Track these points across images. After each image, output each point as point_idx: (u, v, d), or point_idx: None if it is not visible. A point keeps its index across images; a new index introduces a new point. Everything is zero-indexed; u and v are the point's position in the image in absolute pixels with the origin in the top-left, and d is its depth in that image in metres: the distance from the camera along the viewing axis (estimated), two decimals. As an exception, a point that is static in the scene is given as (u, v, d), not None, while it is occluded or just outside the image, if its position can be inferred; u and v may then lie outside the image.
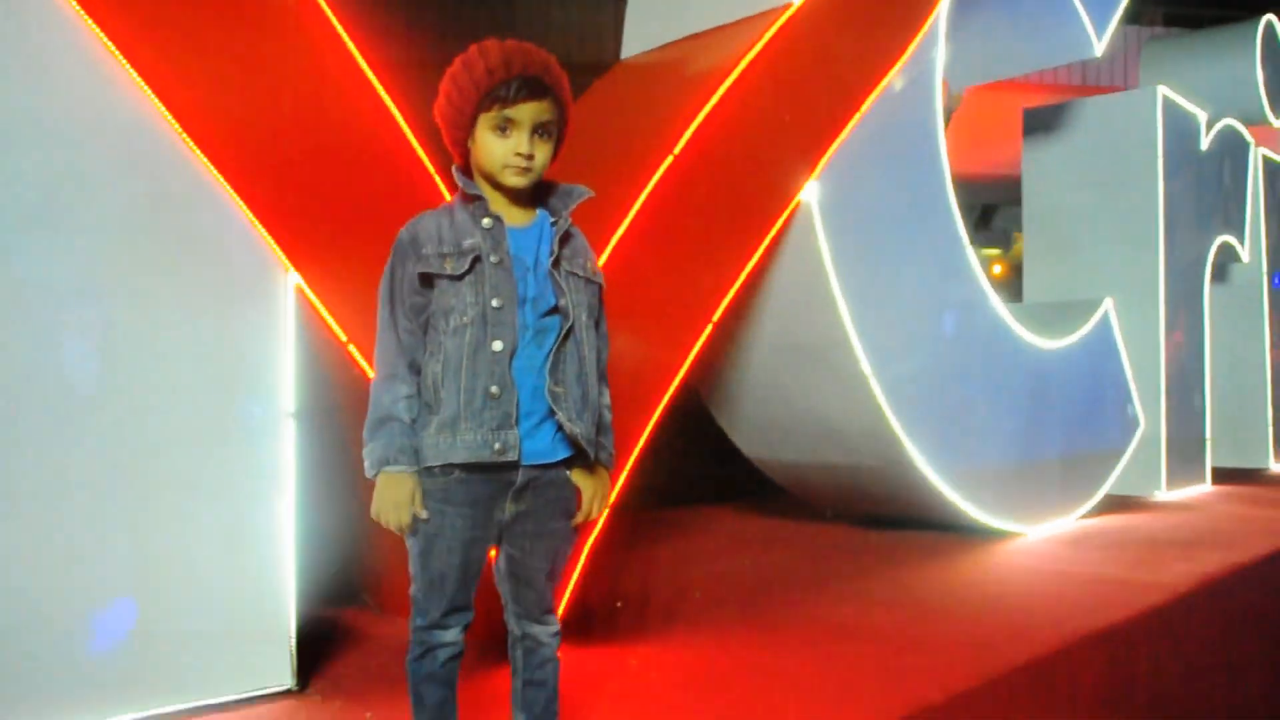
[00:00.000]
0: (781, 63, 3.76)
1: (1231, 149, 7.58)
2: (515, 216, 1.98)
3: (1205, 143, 7.12)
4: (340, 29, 2.58)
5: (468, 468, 1.87)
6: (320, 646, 2.89)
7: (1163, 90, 6.54)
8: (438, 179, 2.75)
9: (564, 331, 1.93)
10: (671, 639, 3.14)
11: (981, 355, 4.92)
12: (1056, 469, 5.43)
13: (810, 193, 3.93)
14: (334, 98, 2.60)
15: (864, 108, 4.09)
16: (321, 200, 2.55)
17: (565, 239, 2.00)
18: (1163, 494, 6.51)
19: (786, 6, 3.82)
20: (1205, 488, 7.02)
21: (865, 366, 4.17)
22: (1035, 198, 6.98)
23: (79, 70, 2.25)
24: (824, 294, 4.05)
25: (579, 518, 2.01)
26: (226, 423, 2.41)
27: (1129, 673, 3.40)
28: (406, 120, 2.71)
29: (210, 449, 2.38)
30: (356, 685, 2.62)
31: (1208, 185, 7.18)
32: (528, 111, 1.91)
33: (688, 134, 3.40)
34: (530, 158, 1.93)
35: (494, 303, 1.88)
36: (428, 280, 1.91)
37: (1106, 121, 6.65)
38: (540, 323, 1.92)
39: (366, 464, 1.89)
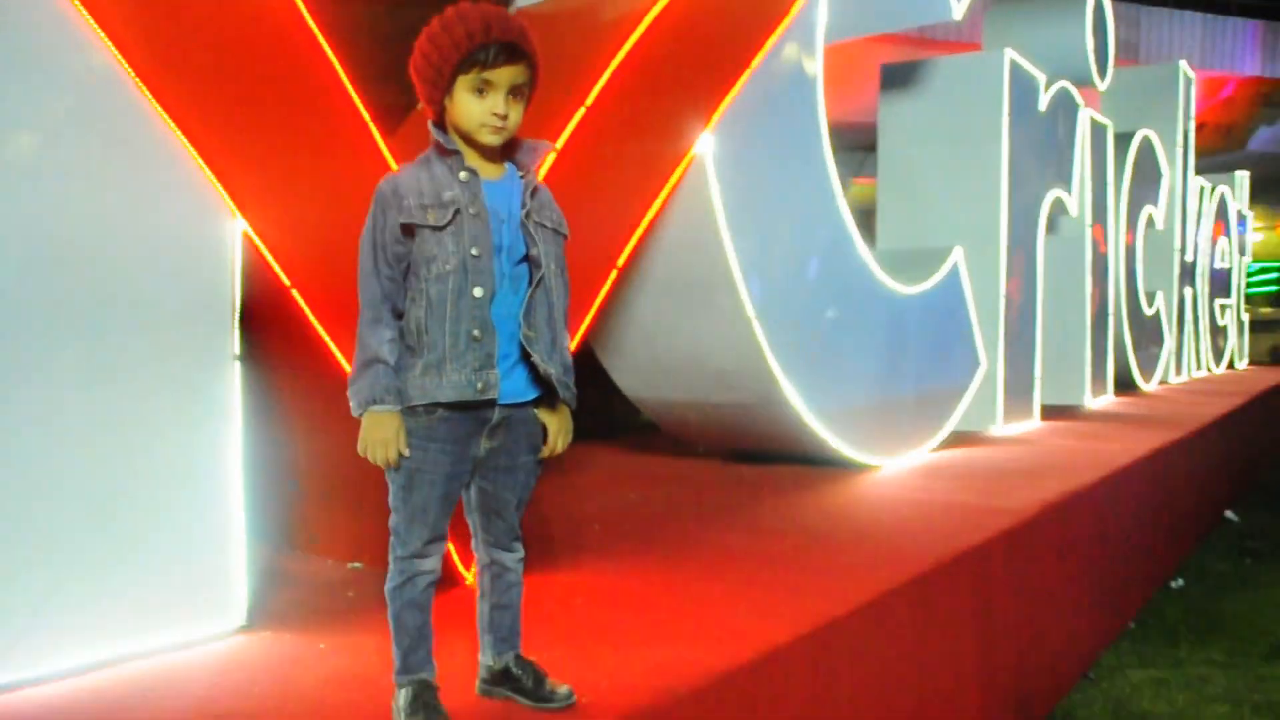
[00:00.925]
0: (682, 18, 3.92)
1: (1065, 110, 8.13)
2: (488, 171, 2.11)
3: (1044, 103, 7.63)
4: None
5: (450, 406, 2.02)
6: (262, 586, 2.98)
7: (1009, 53, 6.97)
8: (375, 132, 2.82)
9: (535, 279, 2.08)
10: (584, 566, 3.34)
11: (849, 299, 5.25)
12: (910, 406, 5.85)
13: (705, 144, 4.13)
14: (282, 51, 2.64)
15: (754, 63, 4.30)
16: (267, 147, 2.60)
17: (533, 192, 2.14)
18: (999, 429, 7.06)
19: (687, -37, 3.98)
20: (1035, 423, 7.63)
21: (749, 310, 4.43)
22: (889, 149, 7.36)
23: (30, 11, 2.24)
24: (714, 240, 4.27)
25: (545, 452, 2.18)
26: (172, 365, 2.45)
27: (989, 585, 3.79)
28: (346, 74, 2.78)
29: (157, 390, 2.43)
30: (303, 621, 2.73)
31: (1044, 144, 7.71)
32: (505, 75, 2.05)
33: (598, 86, 3.54)
34: (505, 118, 2.07)
35: (473, 251, 2.02)
36: (409, 230, 2.03)
37: (957, 80, 7.05)
38: (514, 270, 2.08)
39: (353, 403, 2.01)
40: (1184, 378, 12.52)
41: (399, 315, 2.05)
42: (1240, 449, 9.49)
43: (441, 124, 2.13)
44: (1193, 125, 12.32)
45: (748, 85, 4.31)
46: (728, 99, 4.18)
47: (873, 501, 4.55)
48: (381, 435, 1.99)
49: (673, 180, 3.96)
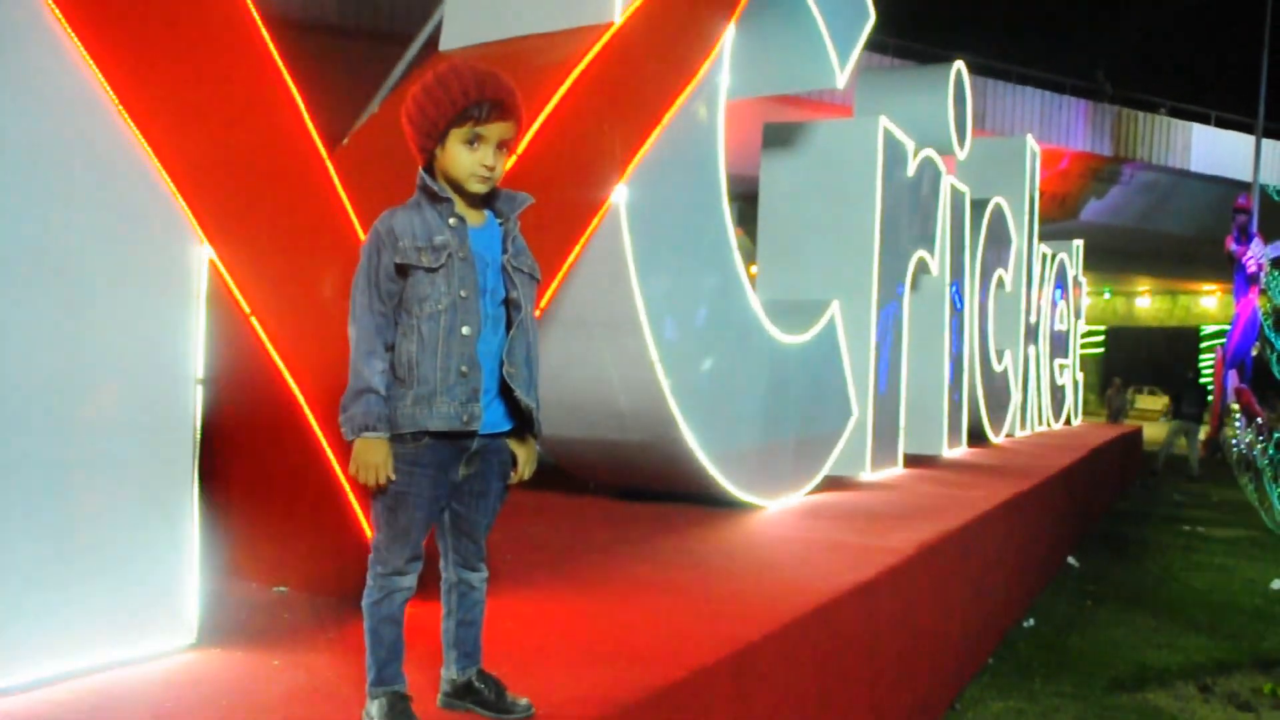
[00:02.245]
0: (603, 76, 4.15)
1: (929, 175, 8.68)
2: (473, 217, 2.28)
3: (911, 169, 8.14)
4: (259, 22, 2.73)
5: (436, 435, 2.16)
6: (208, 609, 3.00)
7: (883, 121, 7.44)
8: (331, 169, 2.94)
9: (516, 321, 2.25)
10: (504, 593, 3.46)
11: (740, 346, 5.53)
12: (791, 450, 6.15)
13: (619, 194, 4.35)
14: (253, 90, 2.74)
15: (666, 118, 4.55)
16: (237, 179, 2.69)
17: (512, 239, 2.31)
18: (867, 474, 7.44)
19: (609, 25, 4.21)
20: (899, 470, 8.06)
21: (653, 353, 4.65)
22: (769, 203, 7.73)
23: (14, 29, 2.30)
24: (624, 285, 4.48)
25: (514, 479, 2.34)
26: (133, 383, 2.51)
27: (876, 619, 4.06)
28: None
29: (116, 407, 2.48)
30: (250, 640, 2.79)
31: (911, 206, 8.22)
32: (495, 130, 2.23)
33: (527, 138, 3.72)
34: (493, 169, 2.24)
35: (461, 293, 2.17)
36: (402, 270, 2.17)
37: (835, 143, 7.48)
38: (496, 311, 2.24)
39: (345, 429, 2.14)
40: (1028, 431, 13.30)
41: (389, 348, 2.18)
42: (1080, 499, 10.16)
43: (430, 170, 2.28)
44: (1037, 194, 13.21)
45: (659, 139, 4.55)
46: (642, 151, 4.42)
47: (765, 538, 4.79)
48: (372, 459, 2.12)
49: (591, 227, 4.16)
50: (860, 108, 9.29)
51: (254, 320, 2.70)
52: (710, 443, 5.13)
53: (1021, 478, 7.93)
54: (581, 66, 3.99)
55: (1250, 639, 6.90)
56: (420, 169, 2.29)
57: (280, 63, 2.85)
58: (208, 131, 2.64)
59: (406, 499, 2.16)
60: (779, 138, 7.65)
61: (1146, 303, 47.64)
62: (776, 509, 5.74)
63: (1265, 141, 26.95)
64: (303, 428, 2.81)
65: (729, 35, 5.04)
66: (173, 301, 2.58)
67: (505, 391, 2.25)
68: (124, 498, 2.50)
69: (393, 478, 2.14)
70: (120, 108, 2.42)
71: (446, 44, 4.78)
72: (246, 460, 3.15)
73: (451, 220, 2.22)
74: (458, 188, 2.25)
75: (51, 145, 2.34)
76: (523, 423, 2.31)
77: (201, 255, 2.61)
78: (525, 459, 2.36)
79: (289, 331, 2.76)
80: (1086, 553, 9.66)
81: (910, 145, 8.05)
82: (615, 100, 4.29)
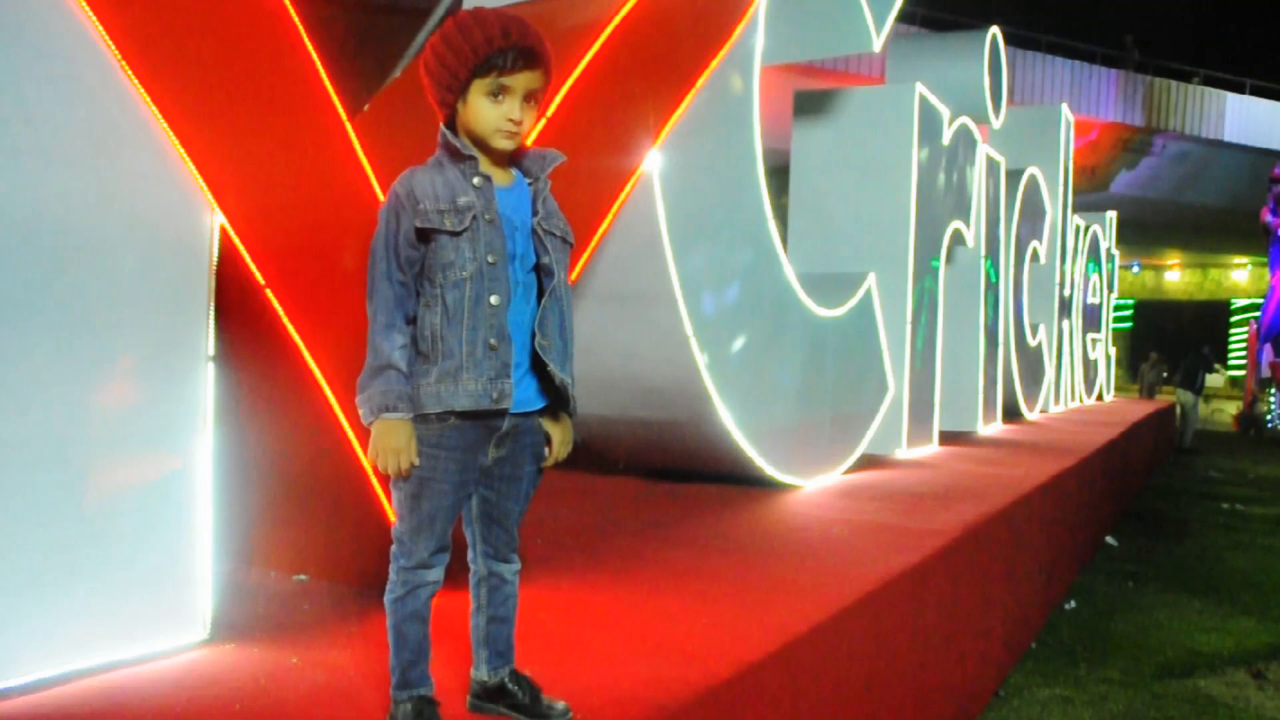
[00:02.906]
0: (634, 36, 3.93)
1: (965, 145, 8.42)
2: (500, 177, 2.08)
3: (947, 137, 7.89)
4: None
5: (463, 414, 1.97)
6: (222, 599, 2.84)
7: (919, 87, 7.18)
8: (353, 136, 2.75)
9: (548, 288, 2.05)
10: (536, 581, 3.29)
11: (775, 320, 5.32)
12: (827, 428, 5.94)
13: (652, 161, 4.14)
14: (267, 46, 2.55)
15: (700, 82, 4.33)
16: (250, 141, 2.50)
17: (543, 200, 2.11)
18: (903, 452, 7.23)
19: (641, -19, 3.99)
20: (934, 448, 7.85)
21: (688, 327, 4.45)
22: (801, 174, 7.50)
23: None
24: (657, 256, 4.28)
25: (548, 461, 2.15)
26: (144, 365, 2.34)
27: (924, 604, 3.87)
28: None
29: (126, 391, 2.31)
30: (266, 635, 2.62)
31: (946, 176, 7.97)
32: (521, 80, 2.02)
33: (556, 100, 3.52)
34: (520, 123, 2.04)
35: (489, 259, 1.98)
36: (424, 235, 1.98)
37: (869, 112, 7.24)
38: (526, 279, 2.05)
39: (363, 410, 1.95)
40: (1061, 407, 13.04)
41: (410, 321, 1.99)
42: (1118, 476, 9.92)
43: (452, 126, 2.08)
44: (1071, 165, 12.89)
45: (692, 105, 4.34)
46: (675, 117, 4.20)
47: (805, 521, 4.60)
48: (394, 443, 1.93)
49: (623, 196, 3.96)
50: (892, 76, 9.03)
51: (269, 292, 2.52)
52: (746, 421, 4.93)
53: (1061, 456, 7.70)
54: (613, 25, 3.77)
55: (1301, 622, 6.69)
56: (441, 125, 2.08)
57: (299, 25, 2.66)
58: (219, 91, 2.45)
59: (431, 485, 1.97)
60: (811, 106, 7.41)
61: (1176, 276, 46.95)
62: (814, 489, 5.55)
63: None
64: (322, 407, 2.63)
65: (764, -5, 4.81)
66: (182, 273, 2.39)
67: (538, 366, 2.05)
68: (132, 483, 2.32)
69: (416, 462, 1.95)
70: (124, 63, 2.23)
71: (471, 2, 4.57)
72: (263, 442, 2.98)
73: (476, 180, 2.02)
74: (482, 144, 2.05)
75: (46, 100, 2.15)
76: (557, 400, 2.11)
77: (213, 223, 2.42)
78: (560, 439, 2.16)
79: (307, 304, 2.57)
80: (1125, 532, 9.44)
81: (946, 113, 7.80)
82: (647, 62, 4.08)
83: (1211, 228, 34.12)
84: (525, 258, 2.05)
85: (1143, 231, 33.23)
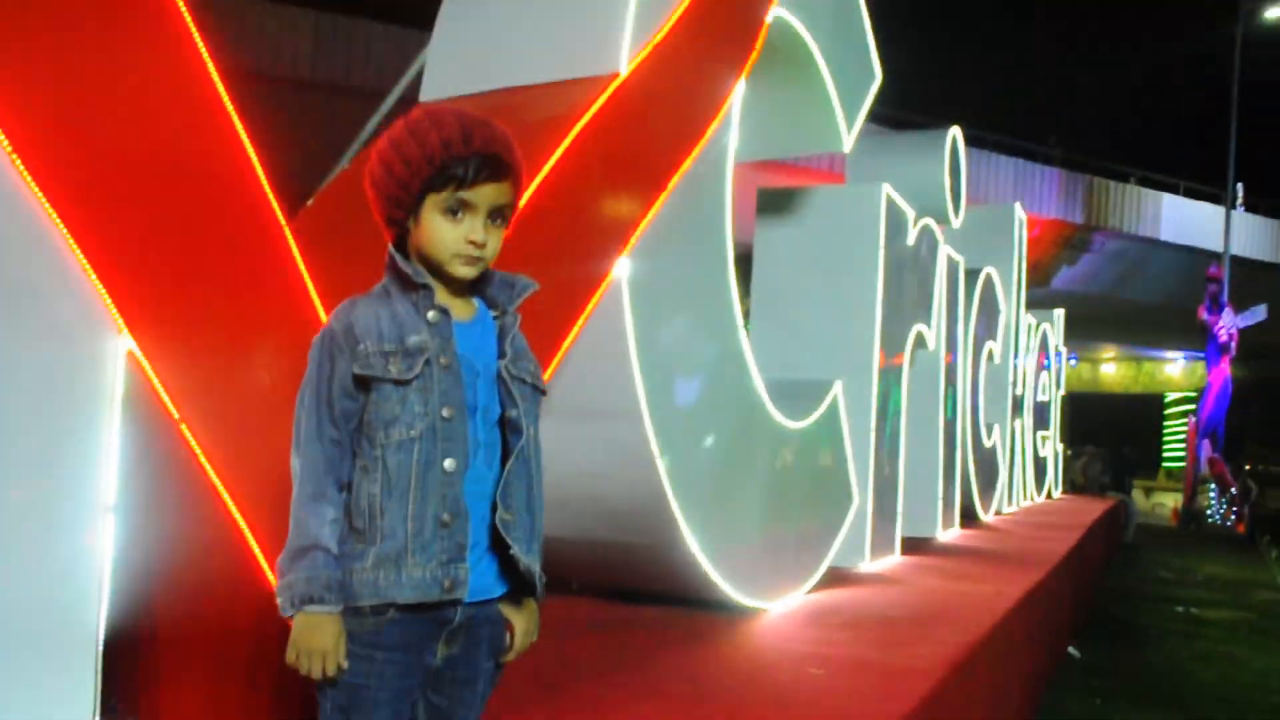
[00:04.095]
0: (605, 134, 3.65)
1: (928, 245, 8.26)
2: (459, 310, 1.74)
3: (911, 238, 7.71)
4: (210, 65, 2.19)
5: (406, 607, 1.60)
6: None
7: (886, 187, 7.00)
8: (290, 240, 2.40)
9: (516, 449, 1.70)
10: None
11: (743, 434, 5.00)
12: (793, 544, 5.61)
13: (621, 268, 3.83)
14: (191, 139, 2.20)
15: (672, 183, 4.05)
16: (168, 249, 2.14)
17: (511, 339, 1.78)
18: (866, 565, 6.90)
19: (614, 76, 3.72)
20: (897, 558, 7.53)
21: (653, 446, 4.10)
22: (764, 273, 7.25)
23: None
24: (623, 369, 3.95)
25: (509, 655, 1.78)
26: (27, 517, 1.94)
27: (916, 765, 3.51)
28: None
29: (18, 545, 1.91)
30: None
31: (910, 278, 7.78)
32: (486, 195, 1.70)
33: (521, 201, 3.20)
34: (483, 246, 1.70)
35: (444, 413, 1.63)
36: (363, 383, 1.62)
37: (835, 211, 7.03)
38: (489, 436, 1.69)
39: (282, 599, 1.58)
40: (1014, 507, 12.84)
41: (344, 488, 1.63)
42: (1077, 582, 9.68)
43: (403, 248, 1.75)
44: (1024, 264, 12.88)
45: (662, 209, 4.05)
46: (646, 220, 3.91)
47: (776, 656, 4.22)
48: (319, 643, 1.56)
49: (589, 307, 3.64)
50: (852, 174, 8.88)
51: (184, 429, 2.13)
52: (712, 544, 4.57)
53: (1027, 567, 7.42)
54: (583, 121, 3.49)
55: (1279, 747, 6.43)
56: (389, 247, 1.75)
57: (233, 114, 2.32)
58: (128, 187, 2.09)
59: (365, 695, 1.60)
60: (774, 204, 7.19)
61: (1112, 369, 47.72)
62: (779, 612, 5.18)
63: (1233, 213, 27.12)
64: (246, 567, 2.24)
65: (738, 92, 4.57)
66: (81, 406, 2.01)
67: (499, 544, 1.69)
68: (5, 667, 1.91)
69: (345, 666, 1.58)
70: (13, 155, 1.87)
71: (427, 94, 4.26)
72: (170, 610, 2.56)
73: (430, 314, 1.69)
74: (438, 271, 1.71)
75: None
76: (521, 585, 1.75)
77: (119, 347, 2.04)
78: (524, 629, 1.80)
79: (230, 444, 2.19)
80: (1084, 639, 9.17)
81: (911, 213, 7.63)
82: (618, 161, 3.79)
83: (1147, 323, 34.77)
84: (488, 410, 1.71)
85: (1081, 326, 33.73)
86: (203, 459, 2.15)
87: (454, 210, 1.68)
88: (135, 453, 2.12)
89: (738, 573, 4.86)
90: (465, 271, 1.71)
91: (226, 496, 2.20)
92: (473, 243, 1.68)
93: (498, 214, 1.73)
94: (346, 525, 1.63)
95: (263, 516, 2.19)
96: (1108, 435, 31.71)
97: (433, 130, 1.67)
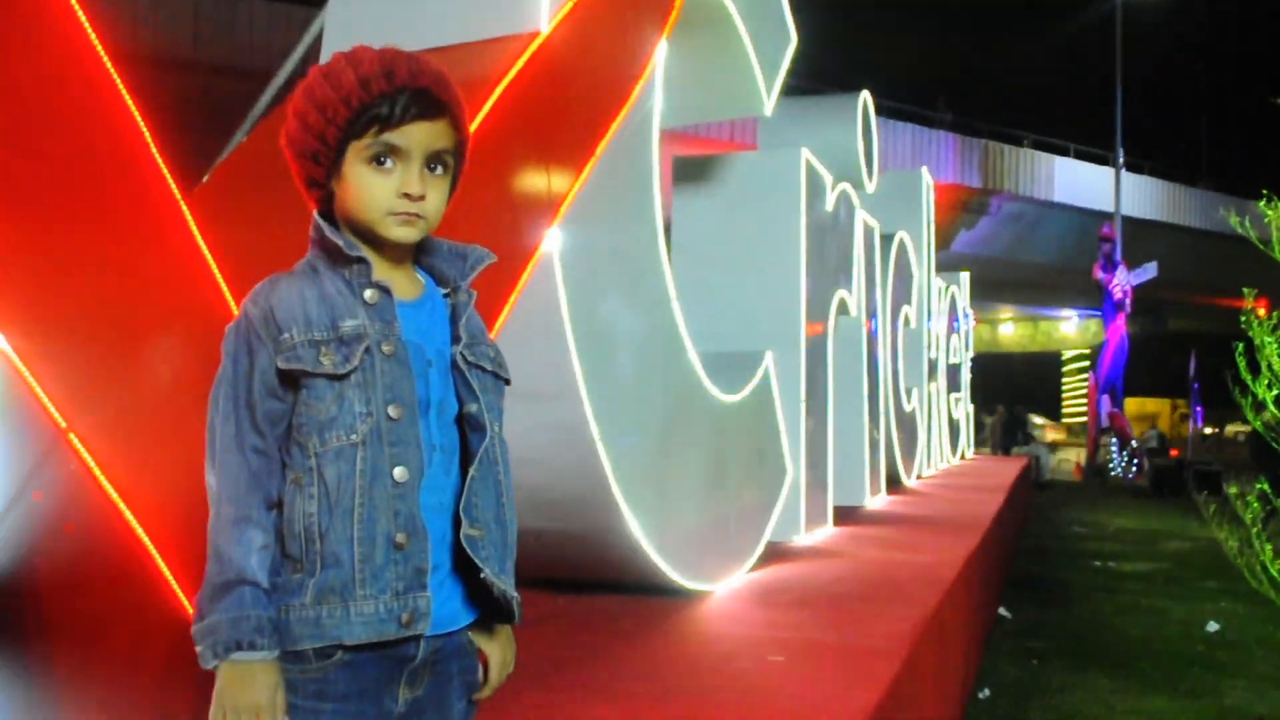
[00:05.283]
0: (530, 96, 3.38)
1: (846, 211, 8.13)
2: (402, 287, 1.46)
3: (830, 203, 7.57)
4: (93, 38, 1.87)
5: (356, 647, 1.32)
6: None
7: (805, 152, 6.83)
8: (189, 218, 2.08)
9: (479, 449, 1.44)
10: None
11: (681, 412, 4.79)
12: (732, 522, 5.42)
13: (552, 241, 3.56)
14: (68, 116, 1.88)
15: (599, 148, 3.79)
16: (39, 241, 1.81)
17: (465, 319, 1.51)
18: (801, 537, 6.76)
19: (535, 34, 3.44)
20: (830, 529, 7.41)
21: (593, 430, 3.86)
22: (683, 245, 7.02)
23: None
24: (559, 350, 3.69)
25: (485, 692, 1.52)
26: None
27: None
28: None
29: None
30: None
31: (830, 244, 7.64)
32: (418, 136, 1.42)
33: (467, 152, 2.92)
34: (422, 199, 1.43)
35: (390, 411, 1.36)
36: (290, 379, 1.34)
37: (754, 178, 6.84)
38: (446, 437, 1.42)
39: (203, 646, 1.29)
40: (933, 470, 12.91)
41: (272, 507, 1.35)
42: (1004, 544, 9.72)
43: (330, 217, 1.47)
44: (933, 228, 12.91)
45: (590, 177, 3.79)
46: (574, 188, 3.65)
47: (730, 644, 4.01)
48: (251, 698, 1.28)
49: (521, 282, 3.36)
50: (764, 141, 8.70)
51: (74, 438, 1.82)
52: (654, 528, 4.35)
53: (962, 533, 7.37)
54: (505, 82, 3.21)
55: (1212, 693, 6.47)
56: (314, 214, 1.47)
57: (120, 86, 2.01)
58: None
59: (313, 757, 1.32)
60: (690, 172, 6.96)
61: (1010, 329, 48.81)
62: (724, 593, 4.99)
63: (1122, 174, 27.82)
64: (157, 594, 1.93)
65: (661, 52, 4.32)
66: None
67: (464, 564, 1.43)
68: None
69: None
70: None
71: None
72: (64, 647, 2.23)
73: (368, 293, 1.42)
74: (370, 237, 1.44)
75: None
76: (493, 610, 1.50)
77: (-12, 348, 1.73)
78: (500, 661, 1.54)
79: (130, 455, 1.88)
80: (1012, 601, 9.21)
81: (829, 179, 7.48)
82: (543, 126, 3.52)
83: (1043, 283, 35.58)
84: (444, 405, 1.44)
85: (981, 288, 34.37)
86: (98, 472, 1.84)
87: (380, 158, 1.41)
88: (16, 466, 1.81)
89: (681, 556, 4.65)
90: (402, 233, 1.43)
91: (129, 514, 1.90)
92: (407, 195, 1.41)
93: (436, 161, 1.46)
94: (278, 552, 1.35)
95: (174, 538, 1.89)
96: (1009, 394, 32.47)
97: (348, 69, 1.40)
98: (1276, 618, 8.01)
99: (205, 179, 3.10)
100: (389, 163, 1.42)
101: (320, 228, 1.44)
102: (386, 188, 1.42)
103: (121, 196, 2.02)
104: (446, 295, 1.53)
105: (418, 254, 1.53)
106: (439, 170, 1.47)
